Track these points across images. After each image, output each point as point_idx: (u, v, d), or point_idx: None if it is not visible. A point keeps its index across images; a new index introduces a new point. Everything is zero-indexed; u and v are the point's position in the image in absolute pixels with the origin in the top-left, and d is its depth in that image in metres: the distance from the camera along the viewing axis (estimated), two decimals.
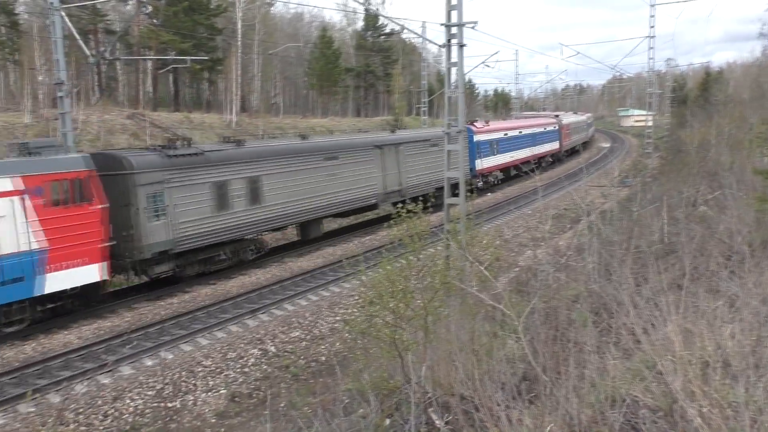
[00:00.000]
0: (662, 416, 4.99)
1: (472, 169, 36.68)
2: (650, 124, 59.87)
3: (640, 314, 6.67)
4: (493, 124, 44.98)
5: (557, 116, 61.78)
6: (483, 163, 38.97)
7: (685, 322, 6.23)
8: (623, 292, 7.67)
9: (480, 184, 37.85)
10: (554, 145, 55.42)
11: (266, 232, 24.49)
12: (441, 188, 30.48)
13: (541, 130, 52.07)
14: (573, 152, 64.67)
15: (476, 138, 37.88)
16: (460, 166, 19.45)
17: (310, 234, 25.78)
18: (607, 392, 5.25)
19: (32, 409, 12.25)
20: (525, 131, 47.98)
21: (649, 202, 16.15)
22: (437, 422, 6.58)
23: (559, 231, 27.62)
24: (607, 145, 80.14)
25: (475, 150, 37.30)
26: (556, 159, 56.91)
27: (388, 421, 7.62)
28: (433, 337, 9.36)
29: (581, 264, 11.55)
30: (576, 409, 4.98)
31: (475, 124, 39.40)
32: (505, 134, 43.79)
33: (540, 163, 51.26)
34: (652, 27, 51.95)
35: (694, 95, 78.25)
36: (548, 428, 4.87)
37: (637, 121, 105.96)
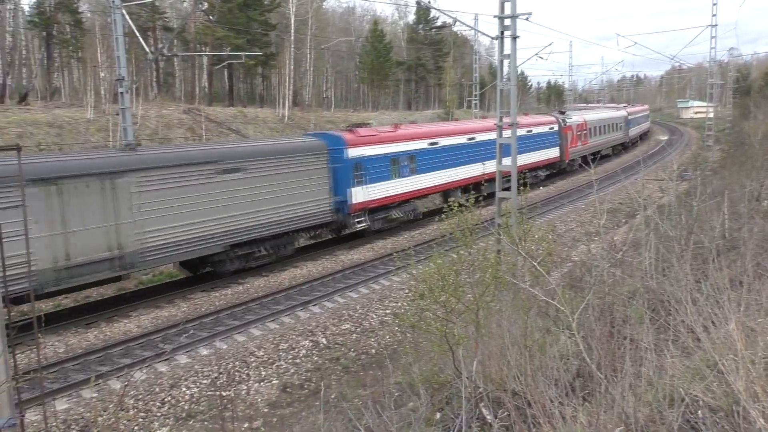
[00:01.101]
0: (723, 417, 4.84)
1: (342, 202, 23.88)
2: (711, 115, 57.89)
3: (700, 311, 6.47)
4: (406, 128, 29.89)
5: (563, 113, 47.05)
6: (368, 192, 24.80)
7: (748, 320, 6.01)
8: (682, 289, 7.45)
9: (363, 225, 24.93)
10: (550, 154, 41.35)
11: None
12: (247, 243, 20.43)
13: (522, 133, 35.25)
14: (594, 159, 49.72)
15: (353, 153, 24.11)
16: (512, 161, 19.20)
17: None
18: (665, 391, 5.11)
19: (95, 395, 12.72)
20: (481, 137, 32.63)
21: (710, 197, 15.61)
22: (488, 417, 6.54)
23: (613, 226, 27.02)
24: (665, 137, 77.91)
25: (351, 171, 23.99)
26: (556, 171, 43.04)
27: (438, 415, 7.62)
28: (484, 332, 9.29)
29: (637, 260, 11.26)
30: (632, 408, 4.87)
31: (357, 130, 25.71)
32: (433, 143, 29.22)
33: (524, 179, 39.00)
34: (714, 15, 50.26)
35: (758, 85, 75.35)
36: (617, 430, 4.78)
37: (697, 112, 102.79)
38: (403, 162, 27.13)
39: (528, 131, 38.07)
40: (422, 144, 28.39)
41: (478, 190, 31.84)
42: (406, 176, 27.32)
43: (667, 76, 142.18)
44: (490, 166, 30.82)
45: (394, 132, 27.60)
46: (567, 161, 43.52)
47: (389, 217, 26.63)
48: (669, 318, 6.98)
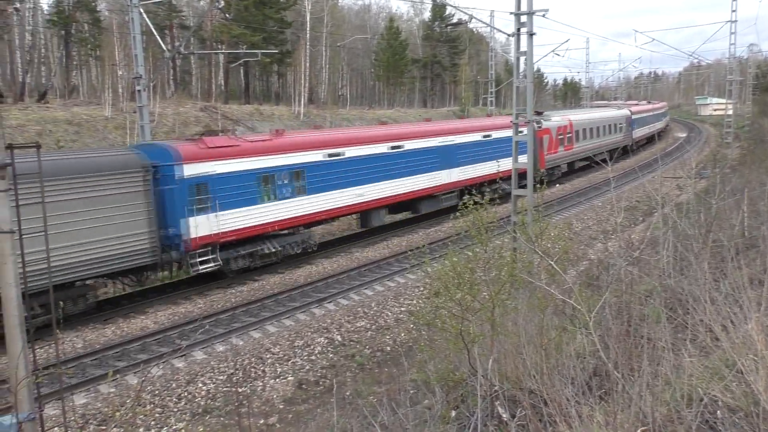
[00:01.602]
0: (742, 417, 4.79)
1: (175, 236, 18.13)
2: (730, 112, 57.22)
3: (719, 310, 6.41)
4: (293, 136, 23.64)
5: (539, 113, 36.24)
6: (219, 222, 18.92)
7: None
8: (700, 288, 7.37)
9: (210, 266, 19.02)
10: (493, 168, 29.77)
11: None
12: None
13: (475, 138, 30.71)
14: (586, 167, 45.04)
15: (191, 170, 18.32)
16: (528, 157, 19.12)
17: None
18: (683, 390, 5.07)
19: (112, 390, 12.85)
20: (411, 144, 26.79)
21: (729, 194, 15.43)
22: (504, 416, 6.52)
23: (630, 224, 26.82)
24: (683, 135, 77.17)
25: (187, 195, 18.16)
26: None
27: (453, 413, 7.60)
28: (500, 330, 9.26)
29: (655, 258, 11.16)
30: (650, 407, 4.83)
31: (206, 139, 19.46)
32: (335, 154, 23.01)
33: (470, 192, 26.60)
34: (734, 11, 49.57)
35: None
36: (639, 430, 4.74)
37: (715, 109, 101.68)
38: (282, 180, 21.00)
39: (485, 136, 31.20)
40: (316, 156, 22.25)
41: (416, 209, 27.97)
42: (288, 198, 21.26)
43: (686, 73, 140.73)
44: (424, 181, 27.24)
45: (270, 141, 21.24)
46: (543, 170, 34.53)
47: (260, 252, 20.80)
48: (687, 317, 6.92)
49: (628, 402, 5.10)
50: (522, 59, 18.74)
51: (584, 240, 24.69)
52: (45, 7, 52.22)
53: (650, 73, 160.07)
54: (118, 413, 11.93)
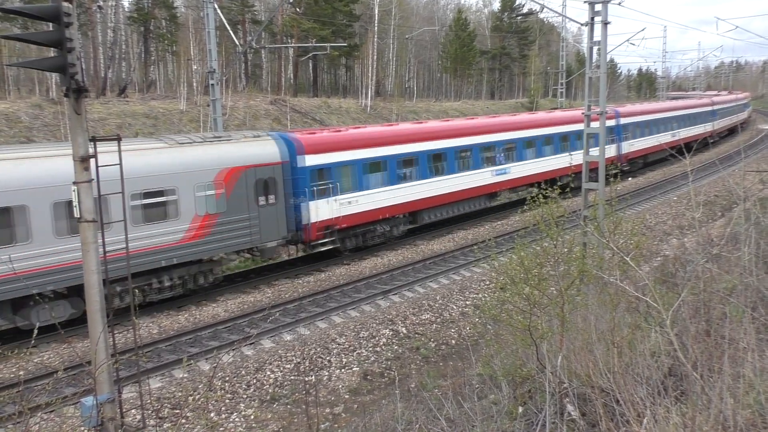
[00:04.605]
0: None
1: None
2: None
3: None
4: None
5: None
6: None
7: None
8: None
9: None
10: None
11: None
12: None
13: None
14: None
15: None
16: (600, 150, 18.56)
17: None
18: (767, 393, 4.81)
19: (185, 375, 13.28)
20: None
21: None
22: (573, 414, 6.36)
23: (708, 219, 25.70)
24: (767, 126, 73.42)
25: None
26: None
27: (521, 409, 7.47)
28: (569, 326, 9.04)
29: (736, 255, 10.63)
30: (731, 410, 4.60)
31: None
32: None
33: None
34: None
35: None
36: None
37: None
38: None
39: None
40: None
41: None
42: None
43: None
44: None
45: None
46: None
47: None
48: None
49: (707, 404, 4.88)
50: (595, 49, 18.20)
51: (658, 235, 23.85)
52: (126, 4, 54.31)
53: (732, 62, 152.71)
54: (191, 398, 12.35)
